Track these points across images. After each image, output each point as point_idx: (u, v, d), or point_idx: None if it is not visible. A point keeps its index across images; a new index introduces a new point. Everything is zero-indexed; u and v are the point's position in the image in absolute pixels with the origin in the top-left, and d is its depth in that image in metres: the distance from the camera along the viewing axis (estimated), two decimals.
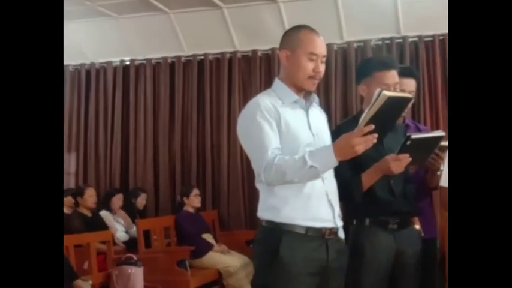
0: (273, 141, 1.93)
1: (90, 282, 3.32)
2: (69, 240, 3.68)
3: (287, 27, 5.52)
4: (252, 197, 5.77)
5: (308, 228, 1.95)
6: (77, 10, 5.58)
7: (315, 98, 2.12)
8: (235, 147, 5.81)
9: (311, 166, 1.85)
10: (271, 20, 5.59)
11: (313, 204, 1.97)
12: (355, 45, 5.59)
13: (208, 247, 4.83)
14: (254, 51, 5.87)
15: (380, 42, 5.53)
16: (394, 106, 1.92)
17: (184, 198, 5.12)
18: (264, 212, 2.01)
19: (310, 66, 2.01)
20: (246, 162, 5.81)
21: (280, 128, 1.97)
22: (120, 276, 3.73)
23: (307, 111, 2.07)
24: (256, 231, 5.56)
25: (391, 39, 5.46)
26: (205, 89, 6.00)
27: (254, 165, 2.00)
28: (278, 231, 1.94)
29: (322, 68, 2.05)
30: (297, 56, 2.02)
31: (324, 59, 2.06)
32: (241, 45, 5.89)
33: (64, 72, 6.40)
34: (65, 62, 6.34)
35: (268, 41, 5.74)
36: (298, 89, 2.06)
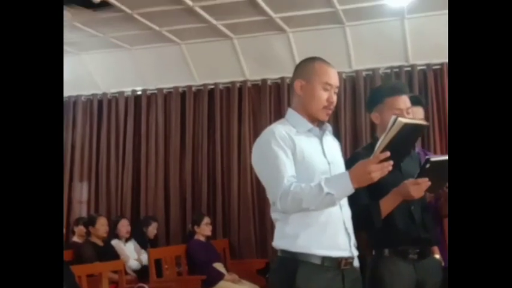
0: (288, 169, 1.94)
1: None
2: (81, 270, 3.69)
3: (296, 57, 5.67)
4: (262, 225, 5.77)
5: (324, 258, 1.94)
6: (90, 41, 5.71)
7: (328, 127, 2.14)
8: (246, 176, 5.85)
9: (327, 193, 1.85)
10: (281, 49, 5.68)
11: (330, 232, 1.96)
12: (363, 73, 5.65)
13: (219, 276, 4.81)
14: (264, 80, 5.95)
15: (389, 71, 5.59)
16: (410, 133, 1.93)
17: (195, 227, 5.12)
18: (279, 241, 2.00)
19: (324, 96, 2.05)
20: (256, 190, 5.83)
21: (295, 156, 1.98)
22: None
23: (321, 139, 2.09)
24: (267, 259, 5.57)
25: (399, 67, 5.53)
26: (215, 117, 6.06)
27: (270, 194, 2.00)
28: (294, 261, 1.93)
29: (335, 98, 2.08)
30: (312, 86, 2.06)
31: (337, 90, 2.10)
32: (251, 74, 5.98)
33: (77, 102, 6.52)
34: (77, 92, 6.47)
35: (277, 70, 5.83)
36: (312, 119, 2.08)
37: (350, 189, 1.87)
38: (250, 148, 5.94)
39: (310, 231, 1.95)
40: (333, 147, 2.16)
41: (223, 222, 5.89)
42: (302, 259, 1.93)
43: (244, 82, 6.01)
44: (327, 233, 1.96)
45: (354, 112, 5.66)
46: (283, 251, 1.98)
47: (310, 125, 2.07)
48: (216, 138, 6.03)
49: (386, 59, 5.55)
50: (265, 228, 5.72)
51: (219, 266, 4.98)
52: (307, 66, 2.11)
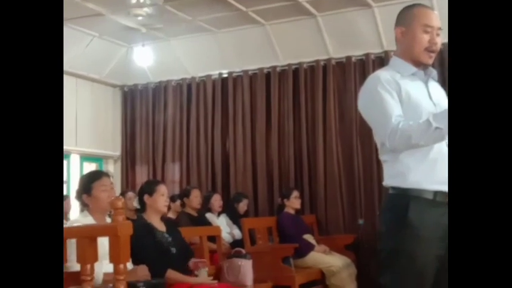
0: (395, 109, 1.98)
1: (207, 269, 3.49)
2: (182, 233, 3.88)
3: (381, 32, 5.64)
4: (350, 201, 5.80)
5: (436, 193, 1.96)
6: (179, 26, 5.97)
7: (433, 72, 2.15)
8: (331, 153, 5.90)
9: (436, 128, 1.86)
10: (365, 25, 5.68)
11: (440, 168, 1.96)
12: None
13: (310, 247, 4.91)
14: (348, 58, 5.96)
15: None
16: None
17: (285, 200, 5.25)
18: (390, 179, 2.05)
19: (425, 38, 2.07)
20: (342, 167, 5.87)
21: (401, 98, 2.01)
22: (230, 268, 3.88)
23: (426, 83, 2.11)
24: (355, 235, 5.58)
25: None
26: (300, 96, 6.15)
27: (378, 135, 2.06)
28: (405, 197, 1.97)
29: (438, 40, 2.09)
30: (412, 30, 2.09)
31: (440, 32, 2.10)
32: (335, 52, 6.00)
33: (167, 87, 6.84)
34: (168, 77, 6.81)
35: (362, 46, 5.83)
36: (416, 63, 2.10)
37: None
38: (335, 126, 6.04)
39: (420, 168, 1.97)
40: (439, 91, 2.17)
41: (310, 199, 5.98)
42: (414, 194, 1.96)
43: (328, 60, 6.04)
44: (437, 169, 1.97)
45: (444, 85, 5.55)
46: (394, 188, 2.03)
47: (414, 69, 2.09)
48: (301, 117, 6.11)
49: None
50: (354, 204, 5.75)
51: (309, 238, 5.08)
52: (406, 13, 2.14)
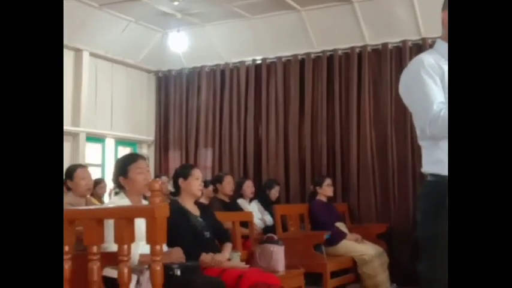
0: (438, 95, 1.95)
1: (239, 253, 3.52)
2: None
3: (419, 19, 5.52)
4: (383, 190, 5.74)
5: None
6: (214, 12, 5.96)
7: None
8: (365, 141, 5.83)
9: None
10: (403, 11, 5.57)
11: None
12: None
13: (342, 235, 4.88)
14: (384, 45, 5.86)
15: None
16: None
17: (317, 188, 5.23)
18: (429, 166, 2.03)
19: None
20: (376, 155, 5.81)
21: (444, 84, 1.97)
22: (262, 254, 3.89)
23: None
24: (387, 224, 5.51)
25: None
26: (334, 83, 6.09)
27: (418, 120, 2.03)
28: (445, 184, 1.93)
29: None
30: None
31: None
32: (371, 39, 5.91)
33: (201, 72, 6.86)
34: (202, 63, 6.83)
35: (399, 33, 5.73)
36: None
37: None
38: (370, 113, 5.97)
39: None
40: None
41: (343, 188, 5.94)
42: None
43: (364, 47, 5.96)
44: None
45: None
46: (434, 175, 2.00)
47: None
48: (335, 104, 6.06)
49: None
50: (387, 193, 5.69)
51: (341, 226, 5.05)
52: None
